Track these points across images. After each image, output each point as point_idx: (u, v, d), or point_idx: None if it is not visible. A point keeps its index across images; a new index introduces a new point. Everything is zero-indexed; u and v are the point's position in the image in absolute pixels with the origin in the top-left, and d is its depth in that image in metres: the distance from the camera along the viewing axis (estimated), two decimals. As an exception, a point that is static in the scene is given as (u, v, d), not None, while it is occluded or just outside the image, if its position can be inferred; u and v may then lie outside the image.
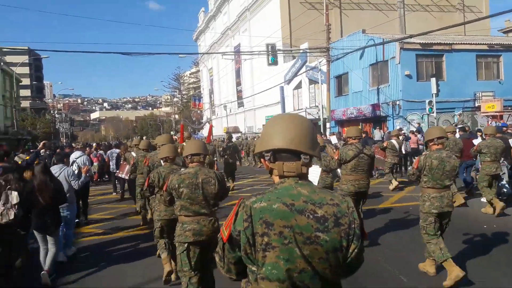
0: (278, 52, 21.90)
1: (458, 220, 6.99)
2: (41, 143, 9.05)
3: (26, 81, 77.65)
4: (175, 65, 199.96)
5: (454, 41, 22.92)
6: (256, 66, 40.38)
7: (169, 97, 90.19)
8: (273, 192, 1.65)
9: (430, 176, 4.84)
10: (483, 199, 8.53)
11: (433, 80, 19.90)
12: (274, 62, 21.55)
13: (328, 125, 21.30)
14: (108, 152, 14.48)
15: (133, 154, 8.88)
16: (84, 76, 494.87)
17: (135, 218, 8.93)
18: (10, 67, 48.75)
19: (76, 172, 6.99)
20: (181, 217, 3.94)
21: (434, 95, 19.86)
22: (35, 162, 7.95)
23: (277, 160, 1.70)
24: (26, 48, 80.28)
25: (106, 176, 17.11)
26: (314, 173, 3.09)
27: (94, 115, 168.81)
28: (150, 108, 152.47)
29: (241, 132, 40.97)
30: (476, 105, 23.08)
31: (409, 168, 12.87)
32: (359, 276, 3.85)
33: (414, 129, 17.73)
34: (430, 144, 5.01)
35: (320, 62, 22.68)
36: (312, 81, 30.51)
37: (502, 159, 8.55)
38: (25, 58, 63.48)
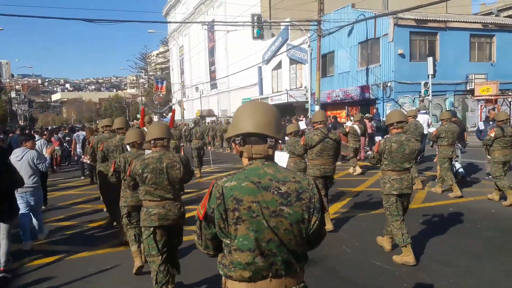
0: (264, 24, 19.62)
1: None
2: None
3: (-22, 58, 71.94)
4: (141, 44, 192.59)
5: (449, 19, 21.46)
6: (232, 45, 37.97)
7: (134, 78, 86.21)
8: (242, 173, 1.83)
9: (390, 160, 4.94)
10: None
11: (430, 59, 18.39)
12: (260, 36, 19.36)
13: (317, 108, 19.47)
14: (74, 135, 14.16)
15: (98, 136, 7.91)
16: (45, 55, 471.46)
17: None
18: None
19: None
20: (145, 201, 3.94)
21: (430, 76, 18.38)
22: None
23: (246, 144, 1.87)
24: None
25: (66, 162, 17.10)
26: (282, 159, 2.65)
27: (55, 97, 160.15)
28: (115, 90, 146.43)
29: (215, 115, 38.68)
30: (468, 88, 21.94)
31: (368, 152, 13.69)
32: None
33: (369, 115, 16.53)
34: (390, 128, 5.08)
35: (309, 37, 20.63)
36: (294, 61, 28.59)
37: (457, 142, 9.05)
38: (-24, 32, 58.09)
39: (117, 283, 4.77)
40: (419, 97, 20.61)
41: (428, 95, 18.55)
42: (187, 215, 4.28)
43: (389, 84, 20.45)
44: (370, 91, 20.98)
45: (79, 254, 5.71)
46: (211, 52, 44.03)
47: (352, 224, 6.60)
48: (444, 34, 21.38)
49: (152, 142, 3.94)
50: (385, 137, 5.23)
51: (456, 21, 21.59)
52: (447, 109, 20.11)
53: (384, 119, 15.42)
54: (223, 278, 1.88)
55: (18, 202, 5.47)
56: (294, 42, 27.10)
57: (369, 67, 21.71)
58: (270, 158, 1.88)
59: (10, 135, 12.42)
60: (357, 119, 12.76)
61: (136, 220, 4.82)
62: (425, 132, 10.10)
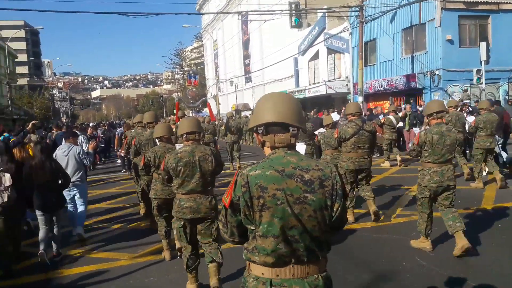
0: (302, 12, 18.82)
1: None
2: (30, 124, 8.07)
3: (23, 58, 74.74)
4: (176, 41, 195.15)
5: (502, 0, 19.83)
6: (266, 37, 37.25)
7: (170, 74, 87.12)
8: (265, 162, 1.87)
9: (431, 151, 4.82)
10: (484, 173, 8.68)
11: (483, 44, 16.99)
12: (298, 24, 18.58)
13: (360, 99, 18.54)
14: (118, 130, 14.61)
15: (132, 132, 8.20)
16: (84, 53, 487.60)
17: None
18: (6, 43, 45.42)
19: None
20: (178, 194, 4.03)
21: (483, 62, 17.00)
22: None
23: (269, 133, 1.91)
24: (22, 22, 77.17)
25: (102, 159, 17.49)
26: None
27: (95, 94, 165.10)
28: (151, 86, 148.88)
29: (251, 109, 38.19)
30: (524, 75, 20.26)
31: (409, 144, 12.96)
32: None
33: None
34: (430, 118, 4.97)
35: (350, 24, 19.60)
36: (332, 51, 27.57)
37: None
38: (20, 33, 60.33)
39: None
40: (469, 85, 19.28)
41: (481, 83, 17.21)
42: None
43: (437, 72, 19.16)
44: (417, 80, 19.75)
45: (119, 262, 5.36)
46: (245, 45, 43.48)
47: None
48: (497, 17, 19.78)
49: (184, 136, 4.03)
50: (424, 128, 5.15)
51: (509, 3, 19.90)
52: (488, 99, 18.70)
53: (421, 109, 14.41)
54: (247, 262, 1.91)
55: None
56: (332, 31, 26.09)
57: (414, 54, 20.46)
58: (292, 147, 1.92)
59: (55, 132, 12.78)
60: (392, 109, 12.38)
61: (165, 213, 5.02)
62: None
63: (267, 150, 1.95)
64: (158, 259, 5.29)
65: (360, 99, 18.51)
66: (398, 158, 11.54)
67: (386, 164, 11.65)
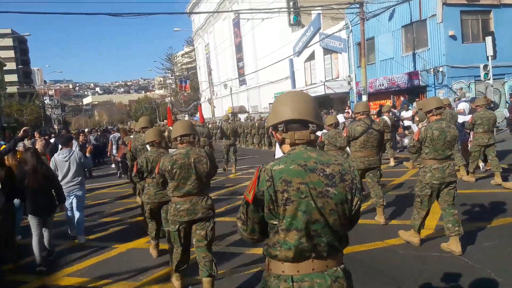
0: (301, 10, 18.13)
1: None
2: (22, 130, 7.50)
3: (12, 66, 73.51)
4: (167, 46, 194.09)
5: (503, -6, 19.30)
6: (259, 40, 36.56)
7: (162, 79, 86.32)
8: (287, 157, 1.89)
9: (431, 148, 4.81)
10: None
11: (489, 39, 16.35)
12: (297, 22, 17.91)
13: (364, 98, 17.87)
14: (111, 136, 14.53)
15: (131, 137, 8.36)
16: (74, 60, 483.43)
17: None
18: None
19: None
20: (174, 198, 4.03)
21: (490, 57, 16.40)
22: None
23: (289, 131, 1.94)
24: (9, 30, 75.92)
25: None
26: (277, 154, 3.33)
27: (86, 100, 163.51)
28: (143, 92, 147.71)
29: (247, 112, 37.42)
30: (528, 71, 19.74)
31: (407, 141, 13.12)
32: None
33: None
34: (429, 115, 4.97)
35: (351, 21, 18.91)
36: (328, 51, 26.93)
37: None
38: (8, 41, 59.12)
39: None
40: (474, 82, 18.72)
41: (489, 79, 16.61)
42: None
43: (440, 69, 18.55)
44: (420, 78, 19.13)
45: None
46: (238, 48, 42.77)
47: (477, 244, 5.08)
48: (498, 11, 19.25)
49: (179, 139, 4.04)
50: (424, 124, 5.11)
51: (512, -4, 19.40)
52: (482, 95, 18.31)
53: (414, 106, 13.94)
54: (267, 259, 1.91)
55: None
56: (328, 31, 25.46)
57: (416, 51, 19.85)
58: (311, 143, 1.96)
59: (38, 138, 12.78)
60: (386, 110, 12.26)
61: (157, 217, 5.04)
62: (460, 121, 9.36)
63: (286, 147, 1.97)
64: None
65: (364, 98, 17.84)
66: (392, 159, 11.61)
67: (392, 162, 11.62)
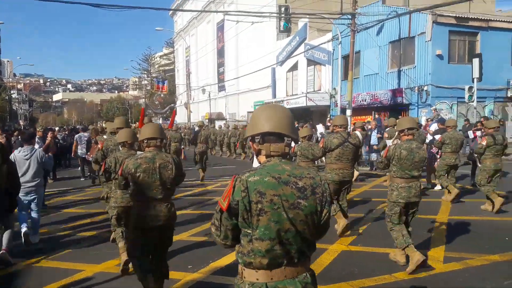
0: (292, 16, 17.57)
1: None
2: None
3: (-22, 55, 70.12)
4: (146, 46, 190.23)
5: (491, 18, 19.43)
6: (242, 46, 36.00)
7: (137, 79, 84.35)
8: (263, 169, 1.97)
9: (398, 166, 4.91)
10: (438, 187, 9.58)
11: (476, 61, 16.33)
12: (287, 29, 17.35)
13: (348, 112, 17.37)
14: (76, 136, 13.77)
15: (104, 137, 7.99)
16: (47, 55, 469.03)
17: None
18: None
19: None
20: (136, 202, 3.94)
21: (476, 79, 16.32)
22: None
23: (265, 142, 2.02)
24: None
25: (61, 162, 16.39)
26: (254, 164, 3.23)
27: (56, 97, 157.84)
28: (116, 92, 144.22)
29: (225, 118, 36.53)
30: (509, 94, 19.89)
31: (375, 156, 13.51)
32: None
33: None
34: (401, 134, 5.06)
35: (336, 35, 18.47)
36: (312, 62, 26.56)
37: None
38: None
39: None
40: (456, 103, 18.65)
41: (473, 101, 16.50)
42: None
43: (425, 88, 18.37)
44: (404, 95, 18.89)
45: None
46: (220, 53, 42.06)
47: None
48: (485, 34, 19.34)
49: (145, 141, 3.93)
50: (394, 143, 5.21)
51: (499, 20, 19.58)
52: (480, 116, 18.38)
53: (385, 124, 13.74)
54: (240, 267, 1.97)
55: (19, 201, 5.60)
56: (313, 42, 25.10)
57: (401, 68, 19.65)
58: (285, 156, 2.04)
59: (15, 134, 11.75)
60: (359, 125, 12.56)
61: (124, 221, 4.85)
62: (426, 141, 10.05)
63: (262, 158, 2.05)
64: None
65: (348, 112, 17.36)
66: (357, 173, 11.48)
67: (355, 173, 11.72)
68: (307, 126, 16.19)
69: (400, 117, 18.05)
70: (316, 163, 8.67)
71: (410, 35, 19.07)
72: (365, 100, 21.14)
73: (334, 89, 20.83)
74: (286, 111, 2.08)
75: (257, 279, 1.90)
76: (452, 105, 18.73)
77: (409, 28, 18.95)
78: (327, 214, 2.00)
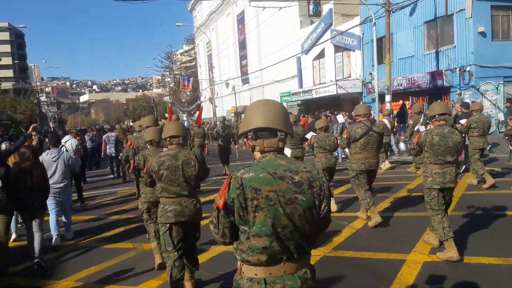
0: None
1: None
2: (31, 127, 7.02)
3: (7, 61, 71.84)
4: (167, 44, 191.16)
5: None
6: (264, 37, 35.06)
7: (160, 77, 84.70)
8: (258, 165, 1.95)
9: (431, 152, 4.83)
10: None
11: (525, 36, 14.94)
12: (317, 13, 16.44)
13: (388, 98, 16.32)
14: (104, 136, 13.85)
15: (134, 135, 8.02)
16: (72, 57, 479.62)
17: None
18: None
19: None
20: (162, 198, 3.97)
21: (526, 57, 14.95)
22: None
23: (258, 138, 2.00)
24: (6, 24, 74.13)
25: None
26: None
27: (83, 98, 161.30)
28: (141, 90, 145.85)
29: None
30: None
31: (402, 145, 13.53)
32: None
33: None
34: (433, 120, 5.03)
35: (368, 17, 17.28)
36: (340, 48, 25.44)
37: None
38: (5, 36, 57.35)
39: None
40: (503, 83, 17.26)
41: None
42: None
43: (467, 69, 17.06)
44: (444, 78, 17.63)
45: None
46: (242, 45, 41.25)
47: None
48: (530, 7, 17.80)
49: (168, 139, 3.97)
50: (427, 129, 5.22)
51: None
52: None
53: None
54: (239, 263, 1.96)
55: (49, 202, 5.88)
56: (340, 27, 23.96)
57: (439, 49, 18.36)
58: (280, 151, 2.02)
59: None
60: (386, 113, 12.20)
61: (156, 216, 4.71)
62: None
63: (257, 154, 2.03)
64: None
65: (388, 98, 16.29)
66: (387, 163, 11.44)
67: (386, 164, 11.35)
68: (324, 115, 15.59)
69: (439, 100, 16.93)
70: (336, 154, 8.35)
71: (447, 13, 17.73)
72: (401, 85, 19.95)
73: (371, 74, 19.67)
74: (279, 105, 2.05)
75: (256, 274, 1.90)
76: (498, 85, 17.36)
77: (446, 6, 17.61)
78: (326, 207, 1.99)
